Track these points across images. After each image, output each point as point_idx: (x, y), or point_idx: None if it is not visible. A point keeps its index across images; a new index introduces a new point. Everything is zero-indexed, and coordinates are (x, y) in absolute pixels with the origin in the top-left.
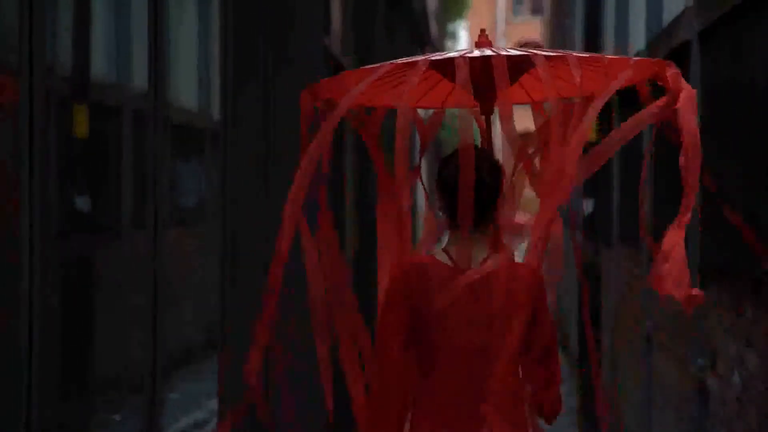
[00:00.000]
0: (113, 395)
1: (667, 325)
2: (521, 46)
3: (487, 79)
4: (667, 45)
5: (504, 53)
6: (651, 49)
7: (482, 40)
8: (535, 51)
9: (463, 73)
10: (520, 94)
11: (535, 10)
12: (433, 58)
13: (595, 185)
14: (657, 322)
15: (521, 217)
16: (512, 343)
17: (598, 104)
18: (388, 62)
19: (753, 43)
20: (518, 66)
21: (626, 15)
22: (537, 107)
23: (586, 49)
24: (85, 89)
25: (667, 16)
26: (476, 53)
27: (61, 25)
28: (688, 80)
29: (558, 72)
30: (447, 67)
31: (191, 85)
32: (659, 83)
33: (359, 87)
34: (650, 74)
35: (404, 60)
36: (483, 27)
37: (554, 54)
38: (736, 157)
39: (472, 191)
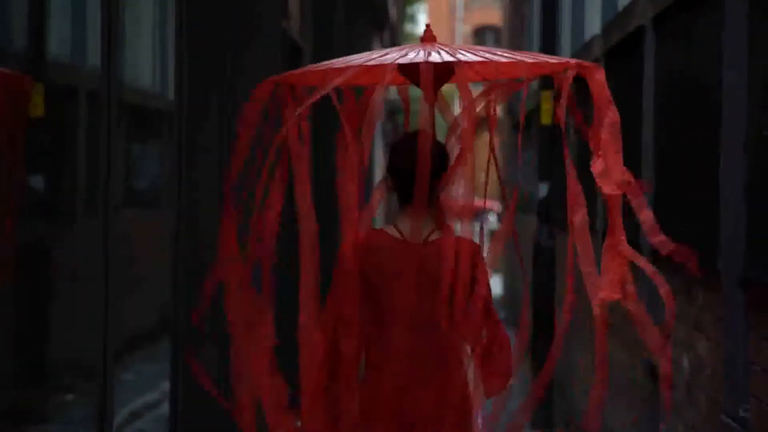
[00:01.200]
0: (67, 378)
1: (618, 308)
2: (478, 30)
3: (435, 74)
4: (621, 30)
5: (463, 58)
6: (606, 33)
7: (428, 35)
8: (490, 55)
9: (427, 78)
10: (472, 73)
11: None
12: (399, 62)
13: (549, 169)
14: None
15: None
16: (457, 309)
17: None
18: (356, 63)
19: (705, 29)
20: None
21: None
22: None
23: (543, 34)
24: (40, 69)
25: (623, 1)
26: (435, 57)
27: (13, 4)
28: (642, 65)
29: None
30: (409, 68)
31: (147, 65)
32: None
33: (335, 81)
34: (573, 69)
35: (371, 63)
36: (443, 10)
37: (507, 60)
38: (686, 142)
39: (429, 175)
